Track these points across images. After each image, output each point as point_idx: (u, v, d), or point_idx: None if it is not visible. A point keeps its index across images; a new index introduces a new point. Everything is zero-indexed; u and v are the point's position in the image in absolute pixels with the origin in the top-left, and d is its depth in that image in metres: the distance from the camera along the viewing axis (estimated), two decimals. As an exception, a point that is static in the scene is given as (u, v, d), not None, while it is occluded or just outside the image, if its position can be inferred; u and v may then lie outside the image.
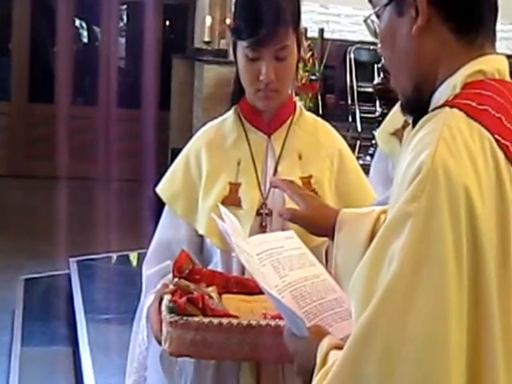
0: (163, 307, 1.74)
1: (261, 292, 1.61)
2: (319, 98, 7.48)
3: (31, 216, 7.39)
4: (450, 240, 1.14)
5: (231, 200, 1.94)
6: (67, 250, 5.81)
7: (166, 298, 1.75)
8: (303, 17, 1.97)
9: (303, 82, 6.85)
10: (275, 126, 2.00)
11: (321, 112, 7.06)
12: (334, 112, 7.83)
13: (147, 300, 1.93)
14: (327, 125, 2.09)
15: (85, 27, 9.93)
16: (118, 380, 2.41)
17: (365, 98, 7.97)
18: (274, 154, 1.99)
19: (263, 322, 1.70)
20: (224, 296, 1.84)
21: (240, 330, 1.69)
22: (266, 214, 1.94)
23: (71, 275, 5.51)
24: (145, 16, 8.84)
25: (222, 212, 1.70)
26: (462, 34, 1.28)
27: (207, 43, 8.29)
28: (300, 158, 1.99)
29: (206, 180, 1.97)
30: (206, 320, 1.69)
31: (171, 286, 1.80)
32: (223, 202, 1.91)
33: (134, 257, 6.20)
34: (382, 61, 1.39)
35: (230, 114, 2.03)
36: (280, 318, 1.65)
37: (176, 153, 2.13)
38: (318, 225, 1.67)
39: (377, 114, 6.62)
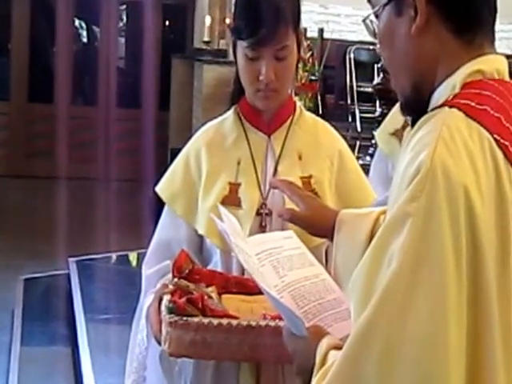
0: (163, 307, 1.74)
1: (260, 292, 1.61)
2: (319, 98, 7.48)
3: (31, 216, 7.39)
4: (450, 240, 1.14)
5: (231, 200, 1.94)
6: (67, 249, 5.80)
7: (166, 298, 1.75)
8: (303, 17, 1.97)
9: (303, 82, 6.85)
10: (275, 125, 2.00)
11: (320, 112, 7.06)
12: (334, 112, 7.82)
13: (147, 300, 1.92)
14: (327, 125, 2.09)
15: (84, 27, 9.93)
16: (118, 380, 2.41)
17: (364, 98, 7.96)
18: (273, 154, 1.99)
19: (263, 323, 1.70)
20: (224, 296, 1.84)
21: (240, 330, 1.69)
22: (266, 214, 1.94)
23: (71, 275, 5.51)
24: (144, 16, 8.84)
25: (221, 212, 1.70)
26: (461, 33, 1.28)
27: (207, 43, 8.28)
28: (300, 157, 1.99)
29: (206, 180, 1.97)
30: (206, 320, 1.69)
31: (171, 286, 1.80)
32: (223, 202, 1.91)
33: (133, 257, 6.19)
34: (382, 61, 1.39)
35: (230, 113, 2.03)
36: (280, 318, 1.65)
37: (175, 153, 2.13)
38: (317, 225, 1.67)
39: (376, 114, 6.62)
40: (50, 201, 7.05)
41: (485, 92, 1.26)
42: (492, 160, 1.20)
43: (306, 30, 6.76)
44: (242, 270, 1.89)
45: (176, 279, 1.82)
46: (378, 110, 6.55)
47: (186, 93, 8.32)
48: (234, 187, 1.96)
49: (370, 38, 1.40)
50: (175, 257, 1.86)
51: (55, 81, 9.05)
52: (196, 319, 1.69)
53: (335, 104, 8.39)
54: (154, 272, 1.99)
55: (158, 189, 2.05)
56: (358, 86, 8.11)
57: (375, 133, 2.86)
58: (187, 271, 1.84)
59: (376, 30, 1.36)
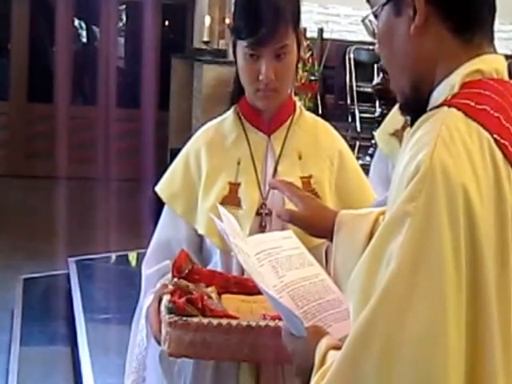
0: (162, 307, 1.74)
1: (260, 292, 1.61)
2: (318, 98, 7.48)
3: (30, 216, 7.39)
4: (449, 239, 1.14)
5: (231, 200, 1.94)
6: (66, 249, 5.80)
7: (166, 298, 1.75)
8: (302, 17, 1.97)
9: (302, 82, 6.85)
10: (275, 125, 2.00)
11: (320, 112, 7.05)
12: (334, 112, 7.82)
13: (146, 300, 1.92)
14: (327, 125, 2.08)
15: (84, 27, 9.92)
16: (117, 380, 2.42)
17: (364, 98, 7.96)
18: (273, 154, 1.99)
19: (262, 323, 1.70)
20: (223, 296, 1.84)
21: (239, 330, 1.69)
22: (266, 214, 1.94)
23: (70, 275, 5.50)
24: (144, 16, 8.83)
25: (220, 212, 1.70)
26: (460, 33, 1.28)
27: (206, 43, 8.28)
28: (300, 157, 1.99)
29: (206, 180, 1.97)
30: (206, 320, 1.69)
31: (170, 286, 1.80)
32: (223, 202, 1.91)
33: (133, 257, 6.19)
34: (381, 61, 1.39)
35: (230, 113, 2.03)
36: (279, 318, 1.65)
37: (175, 153, 2.13)
38: (316, 226, 1.67)
39: (376, 114, 6.62)
40: (50, 201, 7.05)
41: (484, 92, 1.26)
42: (491, 160, 1.20)
43: (305, 29, 6.74)
44: (242, 270, 1.89)
45: (176, 279, 1.81)
46: (378, 110, 6.55)
47: (186, 93, 8.32)
48: (234, 187, 1.95)
49: (369, 38, 1.40)
50: (175, 257, 1.86)
51: (55, 81, 9.04)
52: (196, 319, 1.69)
53: (335, 104, 8.39)
54: (154, 272, 1.99)
55: (157, 189, 2.05)
56: (357, 86, 8.11)
57: (375, 133, 2.87)
58: (187, 271, 1.84)
59: (375, 30, 1.36)
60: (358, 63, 8.21)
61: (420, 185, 1.16)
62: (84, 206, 7.38)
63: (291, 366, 1.40)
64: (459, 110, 1.23)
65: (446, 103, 1.25)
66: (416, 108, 1.32)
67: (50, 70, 9.27)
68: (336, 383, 1.17)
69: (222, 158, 1.98)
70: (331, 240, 1.64)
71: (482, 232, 1.17)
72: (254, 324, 1.70)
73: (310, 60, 7.18)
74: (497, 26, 1.35)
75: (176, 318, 1.69)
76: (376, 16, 1.34)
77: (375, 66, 7.67)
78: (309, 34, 7.42)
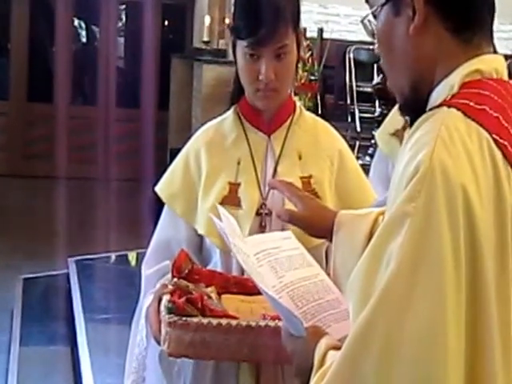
0: (162, 307, 1.74)
1: (260, 292, 1.61)
2: (318, 98, 7.48)
3: (30, 216, 7.39)
4: (448, 240, 1.14)
5: (231, 200, 1.94)
6: (66, 249, 5.80)
7: (165, 298, 1.75)
8: (302, 17, 1.97)
9: (302, 81, 6.85)
10: (275, 125, 2.00)
11: (320, 112, 7.05)
12: (333, 112, 7.82)
13: (146, 300, 1.92)
14: (327, 125, 2.08)
15: (83, 27, 9.92)
16: (117, 380, 2.41)
17: (364, 97, 7.96)
18: (273, 154, 1.99)
19: (262, 323, 1.70)
20: (223, 296, 1.84)
21: (239, 330, 1.69)
22: (266, 214, 1.94)
23: (70, 275, 5.50)
24: (144, 16, 8.84)
25: (220, 212, 1.70)
26: (460, 33, 1.28)
27: (206, 43, 8.28)
28: (300, 157, 1.99)
29: (206, 180, 1.97)
30: (205, 320, 1.69)
31: (170, 286, 1.80)
32: (223, 202, 1.91)
33: (132, 257, 6.19)
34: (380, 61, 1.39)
35: (230, 113, 2.03)
36: (279, 318, 1.64)
37: (175, 153, 2.13)
38: (316, 226, 1.67)
39: (376, 114, 6.63)
40: (50, 201, 7.05)
41: (483, 92, 1.26)
42: (490, 160, 1.20)
43: (305, 29, 6.75)
44: (242, 270, 1.89)
45: (175, 279, 1.81)
46: (378, 109, 6.56)
47: (186, 93, 8.32)
48: (234, 187, 1.95)
49: (369, 38, 1.40)
50: (175, 257, 1.86)
51: (54, 80, 9.04)
52: (195, 319, 1.69)
53: (335, 104, 8.39)
54: (154, 272, 1.99)
55: (157, 189, 2.05)
56: (357, 86, 8.11)
57: (375, 133, 2.86)
58: (187, 271, 1.84)
59: (374, 30, 1.36)
60: (357, 63, 8.21)
61: (419, 185, 1.16)
62: (84, 206, 7.38)
63: (291, 366, 1.40)
64: (459, 110, 1.22)
65: (446, 103, 1.25)
66: (415, 108, 1.32)
67: (49, 70, 9.27)
68: (336, 383, 1.17)
69: (222, 157, 1.98)
70: (331, 240, 1.64)
71: (481, 232, 1.17)
72: (253, 324, 1.70)
73: (310, 60, 7.18)
74: (496, 25, 1.35)
75: (176, 318, 1.69)
76: (375, 16, 1.34)
77: (375, 65, 7.68)
78: (308, 34, 7.42)
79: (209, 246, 1.98)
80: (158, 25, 9.46)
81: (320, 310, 1.55)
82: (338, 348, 1.26)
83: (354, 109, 7.99)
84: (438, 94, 1.28)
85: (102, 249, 6.05)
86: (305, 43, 6.73)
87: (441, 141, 1.18)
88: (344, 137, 2.12)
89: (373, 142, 6.64)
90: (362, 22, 1.39)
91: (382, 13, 1.32)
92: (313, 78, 7.18)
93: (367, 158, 6.53)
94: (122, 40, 9.97)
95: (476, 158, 1.19)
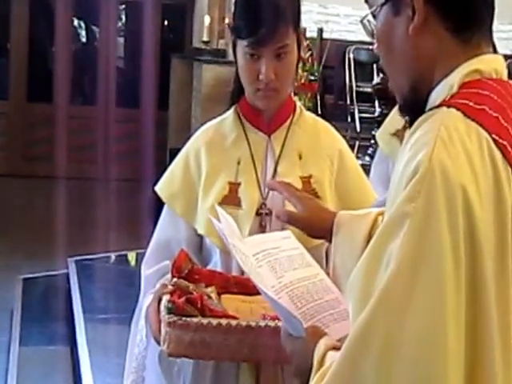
0: (162, 307, 1.74)
1: (260, 292, 1.61)
2: (318, 98, 7.48)
3: (30, 216, 7.39)
4: (448, 240, 1.14)
5: (231, 200, 1.94)
6: (66, 249, 5.80)
7: (165, 298, 1.75)
8: (302, 17, 1.97)
9: (302, 81, 6.85)
10: (275, 125, 2.00)
11: (320, 112, 7.05)
12: (333, 112, 7.82)
13: (146, 300, 1.92)
14: (328, 125, 2.08)
15: (83, 27, 9.93)
16: (116, 380, 2.41)
17: (364, 97, 7.97)
18: (273, 154, 1.99)
19: (262, 323, 1.70)
20: (223, 296, 1.84)
21: (239, 330, 1.69)
22: (266, 214, 1.94)
23: (70, 275, 5.50)
24: (143, 16, 8.84)
25: (218, 212, 1.70)
26: (459, 33, 1.28)
27: (206, 43, 8.28)
28: (300, 157, 1.99)
29: (206, 179, 1.97)
30: (205, 321, 1.69)
31: (170, 286, 1.80)
32: (223, 202, 1.91)
33: (132, 257, 6.19)
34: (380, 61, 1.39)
35: (230, 113, 2.03)
36: (279, 318, 1.64)
37: (174, 153, 2.13)
38: (315, 227, 1.67)
39: (376, 114, 6.62)
40: (49, 200, 7.05)
41: (483, 92, 1.26)
42: (490, 160, 1.20)
43: (305, 29, 6.75)
44: (242, 270, 1.88)
45: (175, 279, 1.81)
46: (378, 110, 6.55)
47: (185, 92, 8.32)
48: (234, 187, 1.95)
49: (369, 38, 1.40)
50: (174, 257, 1.86)
51: (54, 80, 9.04)
52: (195, 319, 1.69)
53: (334, 104, 8.39)
54: (154, 272, 1.99)
55: (157, 188, 2.05)
56: (357, 86, 8.11)
57: (376, 133, 2.86)
58: (187, 271, 1.84)
59: (374, 30, 1.36)
60: (357, 63, 8.21)
61: (419, 185, 1.16)
62: (83, 206, 7.38)
63: (291, 365, 1.40)
64: (458, 110, 1.22)
65: (445, 103, 1.25)
66: (415, 108, 1.32)
67: (49, 70, 9.27)
68: (336, 383, 1.17)
69: (222, 157, 1.98)
70: (330, 241, 1.64)
71: (481, 232, 1.17)
72: (253, 324, 1.69)
73: (310, 60, 7.18)
74: (496, 26, 1.35)
75: (175, 318, 1.69)
76: (375, 16, 1.34)
77: (375, 66, 7.68)
78: (308, 34, 7.42)
79: (209, 246, 1.98)
80: (158, 25, 9.46)
81: (319, 310, 1.55)
82: (337, 348, 1.26)
83: (353, 109, 8.00)
84: (438, 94, 1.28)
85: (102, 249, 6.05)
86: (304, 43, 6.73)
87: (440, 141, 1.18)
88: (344, 137, 2.13)
89: (372, 142, 6.64)
90: (361, 21, 1.39)
91: (382, 13, 1.32)
92: (312, 78, 7.18)
93: (367, 158, 6.52)
94: (121, 40, 9.96)
95: (475, 158, 1.19)
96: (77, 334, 4.48)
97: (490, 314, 1.17)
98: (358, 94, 8.07)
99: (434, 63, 1.29)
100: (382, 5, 1.31)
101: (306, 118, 2.04)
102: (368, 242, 1.31)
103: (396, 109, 2.65)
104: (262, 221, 1.94)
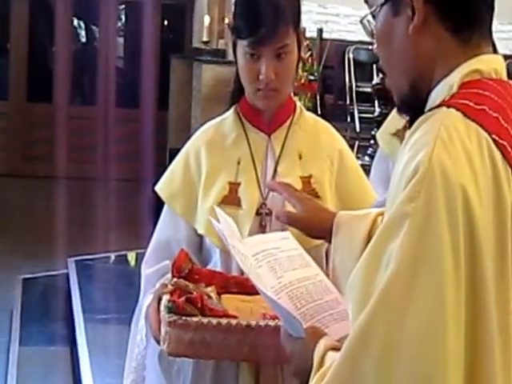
0: (162, 307, 1.74)
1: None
2: (318, 98, 7.48)
3: (29, 216, 7.39)
4: (448, 240, 1.14)
5: (231, 200, 1.94)
6: (65, 249, 5.80)
7: (165, 297, 1.75)
8: (301, 17, 1.97)
9: (302, 81, 6.85)
10: (275, 125, 2.00)
11: (319, 112, 7.05)
12: (333, 112, 7.81)
13: (146, 300, 1.92)
14: (328, 125, 2.08)
15: (83, 27, 9.93)
16: (116, 380, 2.41)
17: (363, 98, 7.96)
18: (273, 154, 1.99)
19: (262, 323, 1.70)
20: (223, 296, 1.84)
21: (239, 330, 1.69)
22: (266, 214, 1.94)
23: (69, 275, 5.50)
24: (143, 16, 8.84)
25: (217, 213, 1.70)
26: (459, 33, 1.28)
27: (205, 43, 8.28)
28: (300, 157, 1.99)
29: (206, 179, 1.97)
30: (205, 320, 1.69)
31: (170, 286, 1.80)
32: (223, 202, 1.91)
33: (132, 257, 6.19)
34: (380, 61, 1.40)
35: (230, 113, 2.03)
36: (279, 318, 1.64)
37: (174, 153, 2.12)
38: (315, 227, 1.67)
39: (375, 114, 6.62)
40: (49, 200, 7.05)
41: (483, 92, 1.26)
42: (490, 160, 1.20)
43: (304, 29, 6.74)
44: (242, 270, 1.89)
45: (175, 279, 1.81)
46: (377, 110, 6.55)
47: (185, 93, 8.32)
48: (234, 187, 1.95)
49: (368, 38, 1.40)
50: (175, 257, 1.86)
51: (54, 80, 9.04)
52: (195, 319, 1.69)
53: (334, 104, 8.39)
54: (154, 272, 1.99)
55: (157, 188, 2.05)
56: (357, 86, 8.11)
57: (377, 133, 2.86)
58: (187, 271, 1.84)
59: (373, 30, 1.36)
60: (357, 63, 8.21)
61: (419, 186, 1.16)
62: (83, 206, 7.38)
63: (290, 365, 1.40)
64: (458, 110, 1.22)
65: (445, 103, 1.25)
66: (414, 108, 1.32)
67: (49, 70, 9.28)
68: (336, 383, 1.17)
69: (222, 157, 1.98)
70: (330, 241, 1.64)
71: (481, 232, 1.17)
72: (253, 324, 1.70)
73: (310, 60, 7.18)
74: (496, 26, 1.35)
75: (175, 318, 1.69)
76: (374, 16, 1.34)
77: (374, 66, 7.68)
78: (308, 34, 7.42)
79: (209, 246, 1.98)
80: (158, 25, 9.46)
81: (319, 310, 1.55)
82: (336, 349, 1.26)
83: (353, 109, 7.99)
84: (437, 94, 1.28)
85: (102, 249, 6.05)
86: (304, 43, 6.73)
87: (440, 141, 1.18)
88: (343, 137, 2.12)
89: (372, 142, 6.64)
90: (361, 21, 1.39)
91: (382, 13, 1.32)
92: (312, 78, 7.18)
93: (366, 159, 6.53)
94: (121, 40, 9.97)
95: (475, 159, 1.19)
96: (76, 334, 4.48)
97: (489, 314, 1.17)
98: (358, 94, 8.07)
99: (433, 63, 1.29)
100: (382, 5, 1.31)
101: (306, 118, 2.04)
102: (367, 242, 1.31)
103: (396, 109, 2.65)
104: (262, 221, 1.94)
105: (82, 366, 4.10)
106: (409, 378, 1.12)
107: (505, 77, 1.32)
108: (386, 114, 2.91)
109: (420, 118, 1.26)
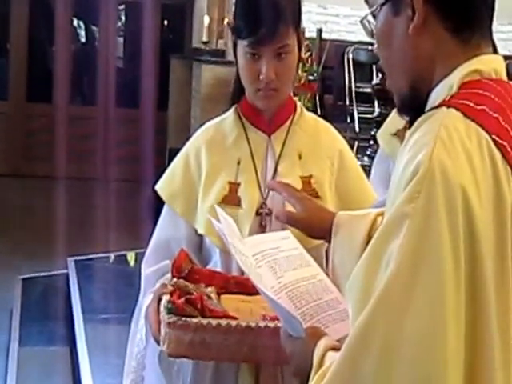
0: (162, 308, 1.74)
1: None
2: (317, 98, 7.48)
3: (29, 216, 7.38)
4: (448, 240, 1.14)
5: (231, 199, 1.94)
6: (65, 249, 5.80)
7: (165, 298, 1.75)
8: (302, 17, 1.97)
9: (302, 82, 6.85)
10: (275, 125, 2.00)
11: (319, 112, 7.05)
12: (332, 112, 7.81)
13: (146, 299, 1.92)
14: (329, 125, 2.08)
15: (83, 27, 9.92)
16: (116, 380, 2.41)
17: (363, 98, 7.96)
18: (274, 154, 1.99)
19: (262, 324, 1.70)
20: (223, 296, 1.84)
21: (239, 331, 1.69)
22: (266, 214, 1.94)
23: (69, 275, 5.50)
24: (143, 16, 8.83)
25: (217, 213, 1.70)
26: (459, 33, 1.28)
27: (205, 43, 8.27)
28: (300, 157, 1.99)
29: (206, 179, 1.97)
30: (205, 321, 1.69)
31: (170, 286, 1.80)
32: (223, 202, 1.91)
33: (131, 257, 6.19)
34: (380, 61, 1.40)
35: (230, 113, 2.03)
36: (279, 319, 1.64)
37: (174, 153, 2.13)
38: (314, 227, 1.67)
39: (375, 114, 6.62)
40: (49, 200, 7.05)
41: (483, 92, 1.26)
42: (490, 160, 1.21)
43: (304, 30, 6.74)
44: (242, 270, 1.89)
45: (175, 279, 1.81)
46: (377, 110, 6.55)
47: (185, 93, 8.32)
48: (234, 187, 1.95)
49: (368, 39, 1.41)
50: (174, 257, 1.86)
51: (54, 80, 9.04)
52: (195, 320, 1.69)
53: (334, 104, 8.38)
54: (154, 271, 1.99)
55: (157, 188, 2.05)
56: (356, 87, 8.10)
57: (377, 133, 2.86)
58: (186, 271, 1.84)
59: (373, 31, 1.36)
60: (356, 63, 8.20)
61: (419, 186, 1.16)
62: (83, 206, 7.37)
63: (290, 366, 1.40)
64: (458, 110, 1.23)
65: (445, 103, 1.25)
66: (413, 108, 1.32)
67: (49, 70, 9.27)
68: (336, 383, 1.17)
69: (222, 157, 1.98)
70: (329, 241, 1.64)
71: (481, 232, 1.17)
72: (253, 325, 1.70)
73: (309, 60, 7.18)
74: (495, 26, 1.35)
75: (175, 319, 1.69)
76: (374, 16, 1.34)
77: (374, 66, 7.68)
78: (308, 34, 7.35)
79: (209, 246, 1.98)
80: (158, 25, 9.46)
81: (319, 310, 1.55)
82: (336, 349, 1.27)
83: (352, 109, 7.99)
84: (437, 94, 1.28)
85: (102, 249, 6.05)
86: (304, 43, 6.73)
87: (440, 141, 1.18)
88: (343, 137, 2.13)
89: (371, 142, 6.64)
90: (361, 22, 1.39)
91: (382, 13, 1.32)
92: (312, 78, 7.18)
93: (366, 159, 6.53)
94: (121, 40, 9.96)
95: (475, 159, 1.19)
96: (76, 334, 4.47)
97: (489, 314, 1.17)
98: (358, 95, 8.06)
99: (433, 63, 1.29)
100: (382, 5, 1.31)
101: (306, 118, 2.04)
102: (367, 242, 1.32)
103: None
104: (262, 220, 1.94)
105: (81, 366, 4.10)
106: (409, 377, 1.12)
107: (505, 77, 1.32)
108: (386, 115, 2.91)
109: (420, 118, 1.26)
